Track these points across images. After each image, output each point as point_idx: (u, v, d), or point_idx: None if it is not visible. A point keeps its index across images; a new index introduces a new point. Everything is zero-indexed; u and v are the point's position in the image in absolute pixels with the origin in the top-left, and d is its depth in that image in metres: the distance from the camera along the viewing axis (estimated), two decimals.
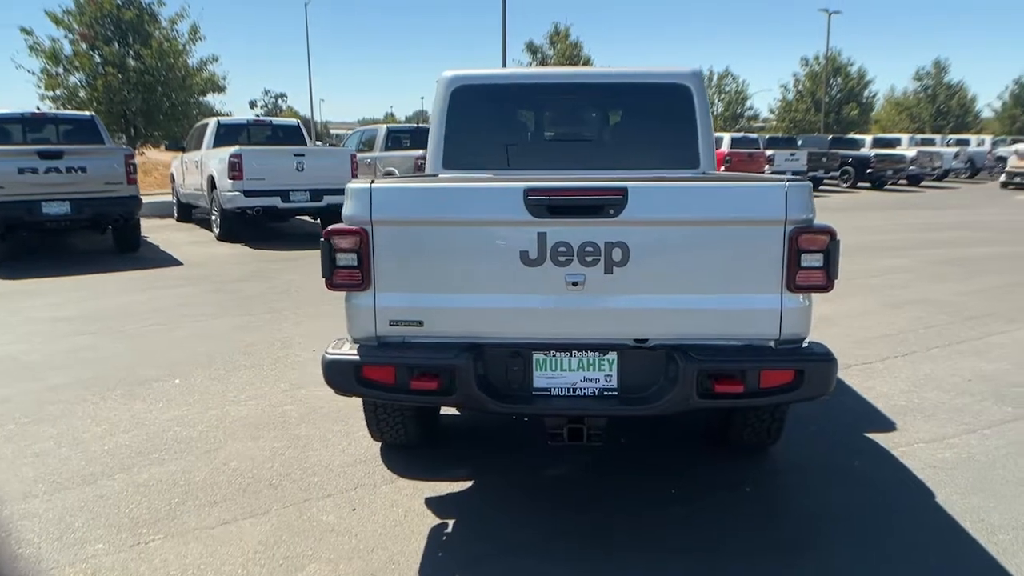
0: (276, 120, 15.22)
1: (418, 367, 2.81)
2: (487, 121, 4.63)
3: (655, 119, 4.50)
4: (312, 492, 3.59)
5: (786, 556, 3.02)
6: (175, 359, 5.78)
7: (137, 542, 3.16)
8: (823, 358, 2.80)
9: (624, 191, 2.71)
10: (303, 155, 12.70)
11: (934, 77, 50.67)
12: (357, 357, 2.83)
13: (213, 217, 13.13)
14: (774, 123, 48.23)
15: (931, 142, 34.79)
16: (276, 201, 12.35)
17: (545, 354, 2.87)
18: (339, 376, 2.86)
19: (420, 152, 14.99)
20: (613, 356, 2.85)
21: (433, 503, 3.47)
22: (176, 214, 16.21)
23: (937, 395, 4.80)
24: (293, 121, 15.09)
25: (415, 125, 19.29)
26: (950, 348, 5.90)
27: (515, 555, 3.02)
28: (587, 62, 34.30)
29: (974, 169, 33.56)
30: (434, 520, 3.32)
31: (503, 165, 4.47)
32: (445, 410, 4.21)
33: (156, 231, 13.87)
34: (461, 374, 2.77)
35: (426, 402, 2.91)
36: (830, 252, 2.73)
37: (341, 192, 12.10)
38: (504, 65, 25.79)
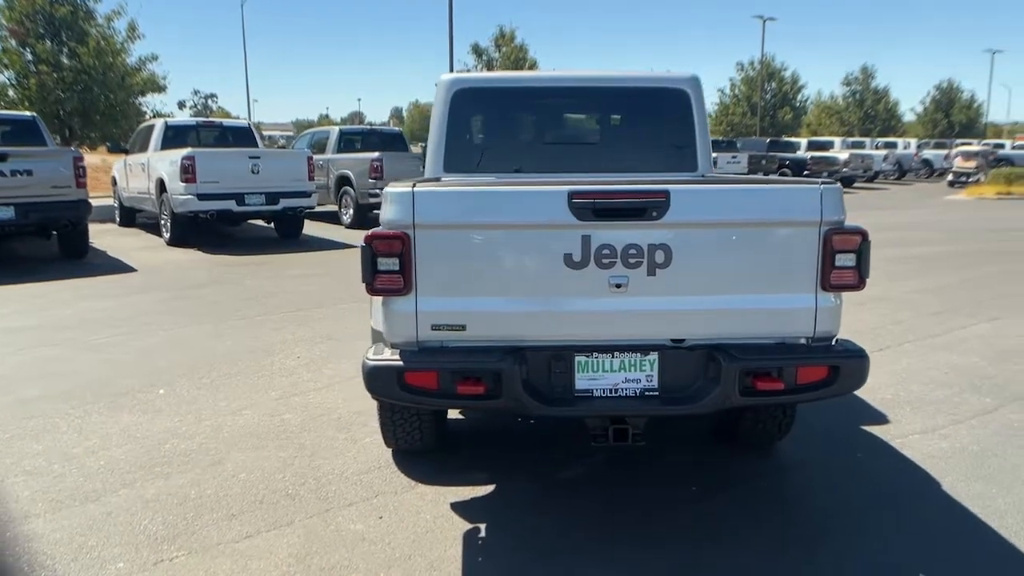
0: (226, 121, 14.83)
1: (463, 371, 2.79)
2: (488, 124, 4.62)
3: (654, 123, 4.57)
4: (332, 501, 3.52)
5: (814, 546, 3.11)
6: (154, 369, 5.59)
7: (160, 559, 3.05)
8: (857, 354, 2.89)
9: (667, 194, 2.75)
10: (258, 157, 12.42)
11: (862, 82, 52.80)
12: (400, 362, 2.79)
13: (163, 221, 12.71)
14: (711, 126, 49.36)
15: (861, 145, 36.22)
16: (231, 204, 12.05)
17: (587, 356, 2.88)
18: (381, 382, 2.82)
19: (376, 154, 14.84)
20: (654, 357, 2.89)
21: (460, 508, 3.45)
22: (118, 219, 15.64)
23: (920, 388, 5.00)
24: (244, 122, 14.77)
25: (368, 127, 19.11)
26: (921, 343, 6.16)
27: (558, 559, 3.03)
28: (532, 65, 34.52)
29: (901, 171, 35.07)
30: (465, 525, 3.30)
31: (504, 168, 4.47)
32: (450, 414, 4.19)
33: (99, 236, 13.32)
34: (507, 378, 2.76)
35: (470, 406, 2.89)
36: (862, 252, 2.83)
37: (298, 195, 12.08)
38: (451, 68, 25.74)
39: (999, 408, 4.63)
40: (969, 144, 35.99)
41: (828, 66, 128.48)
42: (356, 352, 5.94)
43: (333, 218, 15.81)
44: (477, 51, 34.32)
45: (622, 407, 2.91)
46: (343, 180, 15.59)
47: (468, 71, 34.40)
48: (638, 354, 2.88)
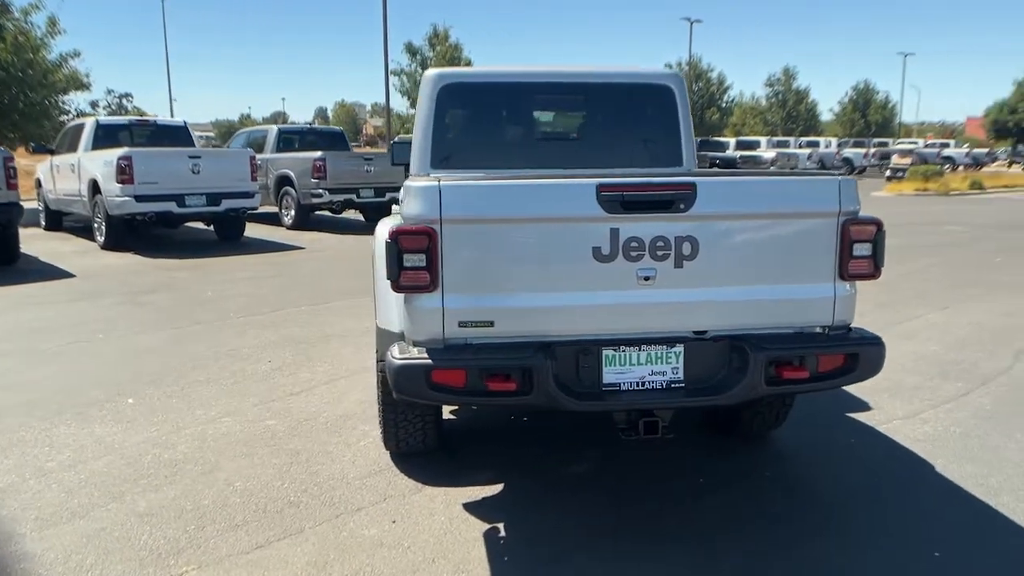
0: (160, 120, 14.24)
1: (494, 369, 2.73)
2: (476, 120, 4.57)
3: (640, 119, 4.59)
4: (339, 507, 3.42)
5: (831, 534, 3.18)
6: (117, 378, 5.32)
7: (169, 575, 2.89)
8: (874, 342, 2.97)
9: (693, 186, 2.76)
10: (199, 157, 12.00)
11: (784, 84, 54.66)
12: (429, 361, 2.71)
13: (96, 224, 12.14)
14: None
15: (786, 144, 37.51)
16: (171, 206, 11.60)
17: (615, 350, 2.87)
18: (410, 381, 2.73)
19: (319, 154, 14.51)
20: (680, 348, 2.90)
21: (473, 509, 3.39)
22: (44, 222, 14.87)
23: (893, 376, 5.17)
24: (179, 121, 14.21)
25: (307, 126, 18.68)
26: (882, 333, 6.36)
27: (583, 556, 3.01)
28: (468, 63, 34.41)
29: (824, 169, 36.45)
30: (481, 525, 3.25)
31: (493, 164, 4.42)
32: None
33: (26, 241, 12.58)
34: (539, 374, 2.73)
35: (499, 404, 2.84)
36: (877, 242, 2.91)
37: (241, 196, 11.73)
38: (386, 68, 25.44)
39: (970, 392, 4.84)
40: (902, 143, 38.60)
41: (752, 68, 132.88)
42: (328, 355, 5.84)
43: (273, 219, 15.39)
44: (411, 50, 34.03)
45: (649, 400, 2.91)
46: (284, 180, 15.20)
47: (403, 71, 34.12)
48: (664, 346, 2.89)
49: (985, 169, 38.67)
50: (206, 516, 3.34)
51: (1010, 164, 43.27)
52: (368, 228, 15.14)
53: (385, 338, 3.34)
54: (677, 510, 3.38)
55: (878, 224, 2.90)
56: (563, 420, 4.34)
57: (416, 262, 2.71)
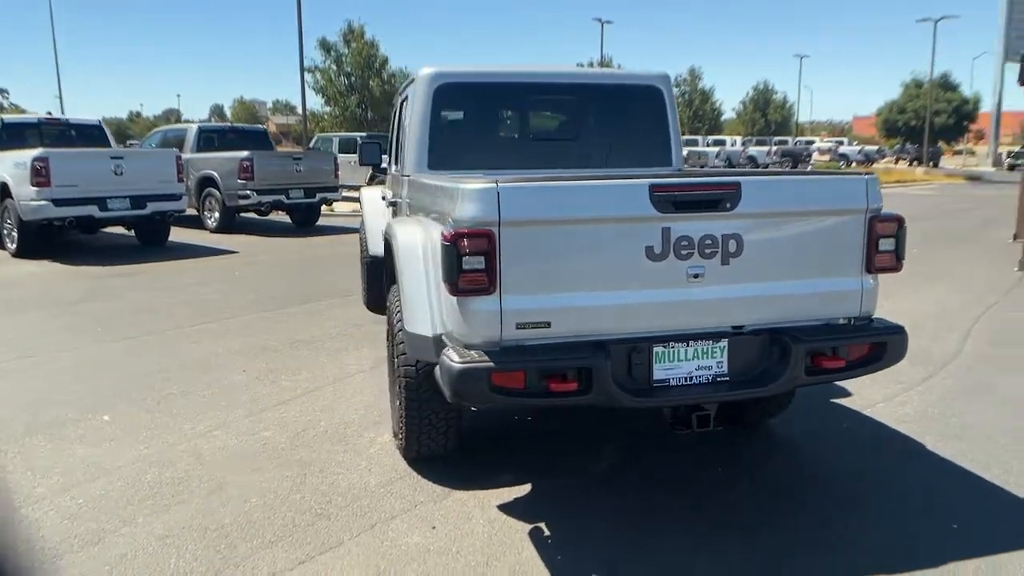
0: (73, 118, 13.40)
1: (555, 369, 2.75)
2: (472, 120, 4.54)
3: (632, 119, 4.68)
4: (372, 516, 3.34)
5: (854, 511, 3.34)
6: (80, 394, 5.00)
7: None
8: (898, 331, 3.14)
9: (738, 185, 2.85)
10: (122, 157, 11.38)
11: (690, 84, 56.47)
12: (491, 364, 2.70)
13: (6, 231, 11.33)
14: None
15: (695, 142, 38.80)
16: (92, 210, 10.96)
17: (664, 346, 2.93)
18: (471, 385, 2.71)
19: (246, 153, 14.02)
20: (724, 343, 2.99)
21: (509, 511, 3.39)
22: None
23: None
24: (94, 119, 13.41)
25: (229, 124, 18.02)
26: None
27: (639, 552, 3.06)
28: (384, 63, 34.02)
29: (731, 166, 37.91)
30: (523, 526, 3.25)
31: (490, 165, 4.41)
32: None
33: None
34: (598, 373, 2.76)
35: (557, 404, 2.84)
36: (899, 237, 3.08)
37: (167, 198, 11.23)
38: (301, 64, 24.78)
39: (933, 376, 5.18)
40: (799, 141, 41.08)
41: (660, 68, 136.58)
42: (304, 363, 5.68)
43: (193, 222, 14.74)
44: (325, 46, 33.28)
45: (697, 394, 2.98)
46: (207, 181, 14.59)
47: (316, 68, 33.34)
48: (710, 341, 2.97)
49: (875, 165, 41.16)
50: (233, 534, 3.20)
51: (897, 160, 46.23)
52: (296, 231, 14.85)
53: (417, 343, 3.30)
54: (710, 501, 3.47)
55: (900, 220, 3.08)
56: (569, 420, 4.39)
57: (475, 264, 2.69)
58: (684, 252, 2.85)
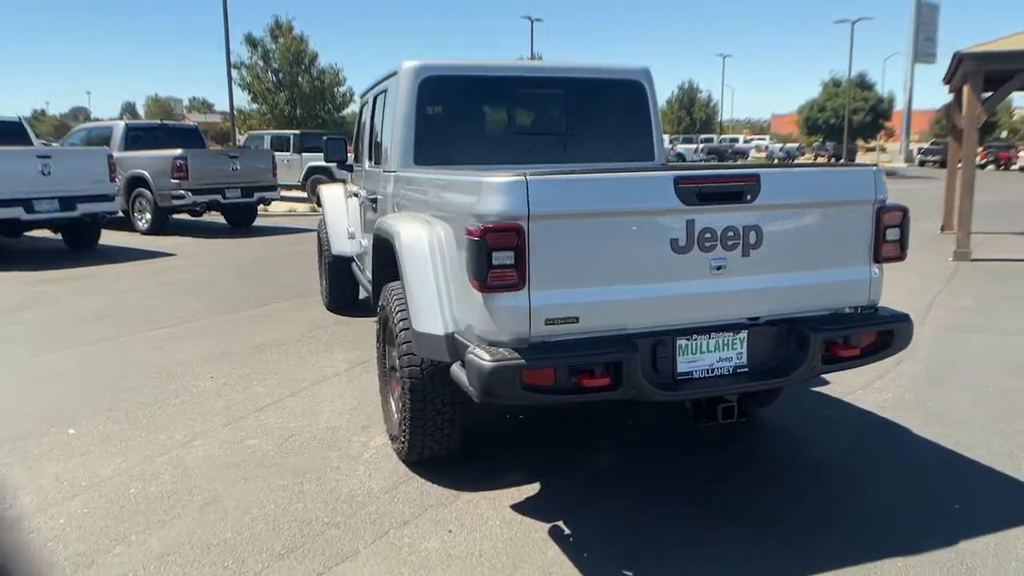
0: None
1: (586, 365, 2.70)
2: (458, 114, 4.45)
3: (615, 113, 4.68)
4: (383, 523, 3.23)
5: (858, 494, 3.42)
6: (36, 407, 4.70)
7: None
8: (904, 318, 3.22)
9: (758, 177, 2.87)
10: (49, 156, 10.76)
11: None
12: (522, 361, 2.63)
13: None
14: None
15: None
16: (17, 212, 10.33)
17: (688, 339, 2.92)
18: (502, 383, 2.63)
19: (179, 151, 13.47)
20: (744, 334, 3.00)
21: (523, 511, 3.33)
22: None
23: None
24: (13, 116, 12.64)
25: (158, 121, 17.27)
26: None
27: (661, 546, 3.04)
28: (313, 59, 33.22)
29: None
30: (542, 525, 3.20)
31: (475, 160, 4.35)
32: None
33: None
34: (628, 367, 2.73)
35: (586, 400, 2.79)
36: (903, 227, 3.16)
37: (98, 199, 10.75)
38: (228, 60, 24.02)
39: (902, 362, 5.32)
40: (723, 138, 42.69)
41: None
42: (272, 367, 5.47)
43: (122, 224, 14.04)
44: (252, 42, 32.28)
45: (719, 386, 2.99)
46: (137, 181, 13.94)
47: (242, 64, 32.33)
48: (731, 333, 2.98)
49: (796, 162, 42.69)
50: (239, 549, 3.04)
51: (816, 157, 48.02)
52: (232, 232, 14.35)
53: (426, 342, 3.21)
54: (720, 490, 3.48)
55: (905, 210, 3.16)
56: (562, 418, 4.36)
57: (505, 260, 2.62)
58: (707, 244, 2.85)
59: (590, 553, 2.98)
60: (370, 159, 5.20)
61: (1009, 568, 2.83)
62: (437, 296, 3.22)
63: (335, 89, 34.58)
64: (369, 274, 4.86)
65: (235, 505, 3.41)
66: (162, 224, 13.87)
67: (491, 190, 2.67)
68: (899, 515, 3.24)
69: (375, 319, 4.15)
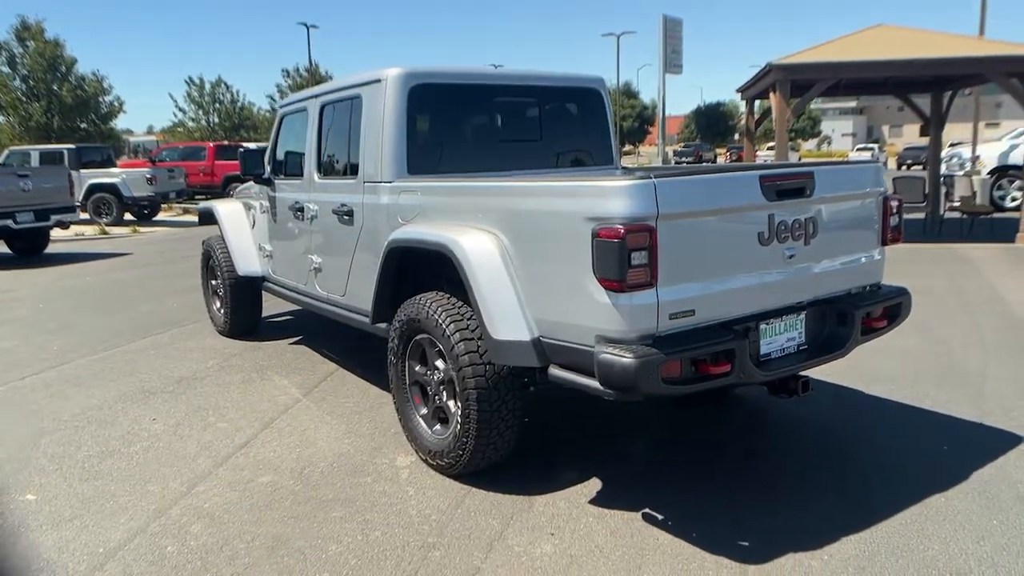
0: None
1: (708, 355, 2.87)
2: (444, 122, 4.39)
3: (581, 120, 4.88)
4: (479, 537, 3.17)
5: (854, 457, 3.93)
6: None
7: None
8: (906, 292, 3.75)
9: (813, 174, 3.23)
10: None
11: None
12: (662, 355, 2.74)
13: None
14: (267, 132, 48.45)
15: None
16: None
17: (767, 323, 3.20)
18: (648, 378, 2.71)
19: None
20: (803, 315, 3.34)
21: (603, 503, 3.43)
22: None
23: None
24: None
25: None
26: None
27: (746, 510, 3.29)
28: (71, 65, 29.65)
29: None
30: (632, 515, 3.32)
31: (462, 168, 4.34)
32: None
33: None
34: (740, 353, 2.95)
35: (704, 387, 2.95)
36: (900, 213, 3.69)
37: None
38: None
39: None
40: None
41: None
42: (211, 401, 5.12)
43: None
44: None
45: (791, 364, 3.29)
46: None
47: None
48: (794, 315, 3.31)
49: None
50: None
51: None
52: (22, 263, 12.51)
53: (509, 349, 3.21)
54: (777, 473, 3.77)
55: (900, 200, 3.69)
56: (558, 416, 4.51)
57: (640, 259, 2.73)
58: (782, 236, 3.16)
59: (698, 532, 3.16)
60: (320, 171, 4.96)
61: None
62: (518, 302, 3.23)
63: (99, 98, 31.24)
64: (344, 288, 4.65)
65: (307, 545, 3.16)
66: None
67: (621, 193, 2.76)
68: (901, 463, 3.77)
69: (392, 336, 3.99)
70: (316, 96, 5.04)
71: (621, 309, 2.80)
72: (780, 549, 2.99)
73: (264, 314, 6.93)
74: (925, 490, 3.43)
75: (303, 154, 5.21)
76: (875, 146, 58.39)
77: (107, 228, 17.35)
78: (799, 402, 4.61)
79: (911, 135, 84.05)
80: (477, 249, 3.33)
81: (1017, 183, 14.84)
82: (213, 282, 6.91)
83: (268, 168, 5.77)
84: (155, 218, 19.82)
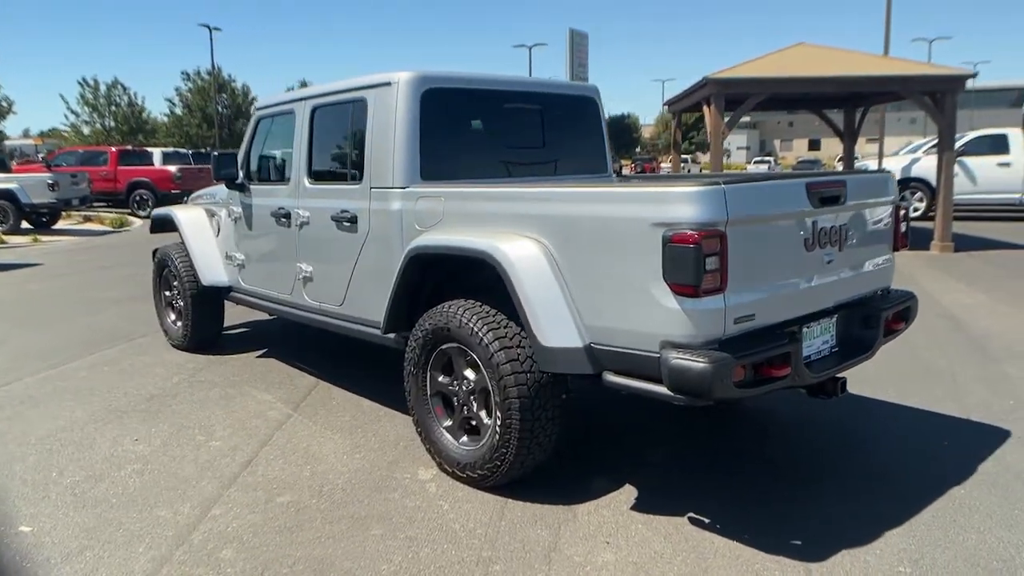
0: None
1: (768, 358, 2.92)
2: (456, 128, 4.30)
3: (580, 128, 4.90)
4: (535, 549, 3.11)
5: (854, 455, 4.09)
6: None
7: None
8: (914, 296, 3.93)
9: (845, 183, 3.36)
10: None
11: None
12: (733, 359, 2.77)
13: None
14: (164, 137, 46.25)
15: None
16: None
17: (808, 326, 3.29)
18: (721, 383, 2.73)
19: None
20: (835, 318, 3.45)
21: (648, 509, 3.43)
22: None
23: None
24: None
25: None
26: None
27: (789, 506, 3.36)
28: None
29: None
30: (679, 520, 3.33)
31: (473, 174, 4.28)
32: None
33: None
34: (796, 355, 3.02)
35: (767, 389, 3.00)
36: (907, 220, 3.88)
37: None
38: None
39: None
40: None
41: (275, 78, 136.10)
42: (191, 419, 4.93)
43: None
44: None
45: (829, 365, 3.39)
46: None
47: None
48: (828, 318, 3.42)
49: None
50: None
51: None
52: None
53: (561, 356, 3.18)
54: (798, 473, 3.89)
55: (907, 208, 3.88)
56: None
57: (713, 264, 2.76)
58: (823, 241, 3.26)
59: (750, 534, 3.20)
60: (310, 176, 4.77)
61: None
62: (569, 309, 3.20)
63: None
64: (351, 295, 4.48)
65: (355, 566, 3.01)
66: None
67: (693, 199, 2.77)
68: (904, 460, 3.95)
69: (406, 349, 3.87)
70: (305, 99, 4.85)
71: (691, 314, 2.82)
72: (832, 547, 3.07)
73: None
74: (943, 483, 3.60)
75: (287, 159, 5.01)
76: (770, 159, 61.47)
77: (4, 237, 16.12)
78: (797, 405, 4.79)
79: (800, 149, 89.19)
80: (523, 256, 3.28)
81: (918, 195, 15.91)
82: (167, 293, 6.54)
83: (240, 173, 5.51)
84: (55, 226, 18.58)
